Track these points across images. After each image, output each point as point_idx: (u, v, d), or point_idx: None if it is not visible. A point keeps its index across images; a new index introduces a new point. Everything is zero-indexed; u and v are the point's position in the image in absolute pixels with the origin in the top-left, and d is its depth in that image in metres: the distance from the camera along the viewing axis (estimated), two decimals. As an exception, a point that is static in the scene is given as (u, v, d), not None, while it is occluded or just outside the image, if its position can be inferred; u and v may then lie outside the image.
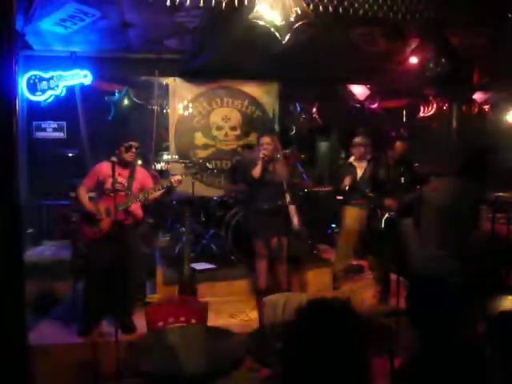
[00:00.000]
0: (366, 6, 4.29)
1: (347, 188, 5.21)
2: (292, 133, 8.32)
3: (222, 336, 2.95)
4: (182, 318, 3.33)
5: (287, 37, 4.05)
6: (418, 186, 5.05)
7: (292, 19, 3.99)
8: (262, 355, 2.85)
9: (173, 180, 4.36)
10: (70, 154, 7.09)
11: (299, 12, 4.02)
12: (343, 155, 10.58)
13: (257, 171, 4.73)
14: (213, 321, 3.76)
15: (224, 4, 3.96)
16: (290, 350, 1.64)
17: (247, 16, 4.04)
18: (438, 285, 2.13)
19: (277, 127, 7.09)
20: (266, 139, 4.83)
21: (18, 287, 2.16)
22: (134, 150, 4.36)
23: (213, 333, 3.05)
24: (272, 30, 3.99)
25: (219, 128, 7.05)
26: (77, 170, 6.43)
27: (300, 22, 4.04)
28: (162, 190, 4.40)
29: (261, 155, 4.73)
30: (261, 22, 3.96)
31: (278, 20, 3.97)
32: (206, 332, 3.08)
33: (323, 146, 10.64)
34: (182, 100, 6.86)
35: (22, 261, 2.22)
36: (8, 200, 2.04)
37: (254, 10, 3.93)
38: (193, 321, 3.33)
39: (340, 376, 1.53)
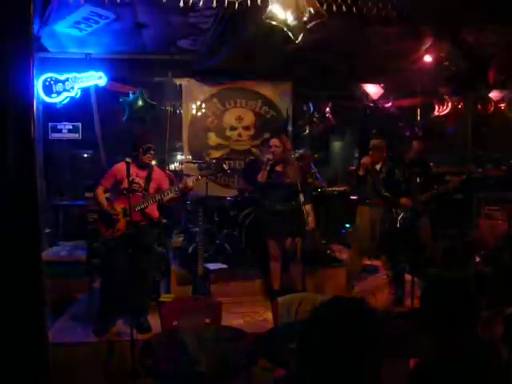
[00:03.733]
0: (380, 4, 4.28)
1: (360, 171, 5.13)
2: (305, 133, 8.29)
3: (236, 336, 2.95)
4: (196, 318, 3.34)
5: (300, 36, 4.04)
6: (436, 186, 5.03)
7: (305, 19, 3.99)
8: (276, 355, 2.86)
9: (182, 186, 4.37)
10: (85, 155, 7.15)
11: (312, 12, 4.02)
12: (357, 155, 10.56)
13: (262, 175, 4.75)
14: (226, 321, 3.76)
15: (237, 4, 3.97)
16: (305, 350, 1.64)
17: (260, 16, 4.05)
18: (453, 285, 2.11)
19: (290, 127, 7.08)
20: (274, 141, 4.83)
21: (38, 286, 2.19)
22: (151, 152, 4.40)
23: (226, 332, 3.05)
24: (285, 29, 4.00)
25: (233, 128, 7.06)
26: (92, 171, 6.50)
27: (313, 22, 4.04)
28: (176, 194, 4.43)
29: (265, 159, 4.75)
30: (274, 22, 3.96)
31: (291, 20, 3.97)
32: (220, 332, 3.08)
33: (336, 145, 10.60)
34: (195, 100, 6.90)
35: (41, 260, 2.25)
36: (27, 201, 2.07)
37: (267, 10, 3.93)
38: (206, 320, 3.33)
39: (354, 376, 1.53)
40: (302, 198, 4.50)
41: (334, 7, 4.17)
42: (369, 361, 1.56)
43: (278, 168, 4.78)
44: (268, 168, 4.70)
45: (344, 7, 4.19)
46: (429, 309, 2.13)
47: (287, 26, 3.98)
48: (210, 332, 3.06)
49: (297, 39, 4.03)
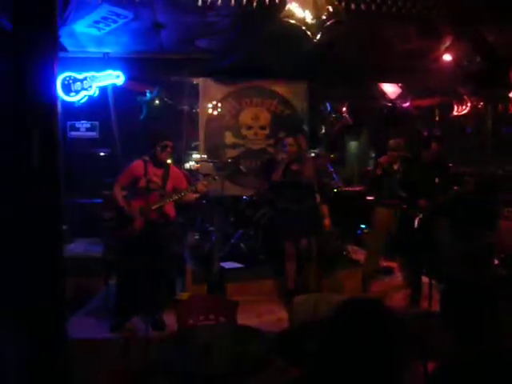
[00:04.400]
0: (399, 3, 4.24)
1: (378, 172, 5.11)
2: (321, 132, 8.26)
3: (252, 335, 2.94)
4: (212, 316, 3.34)
5: (318, 35, 4.03)
6: (454, 187, 4.96)
7: (324, 17, 3.98)
8: (293, 355, 2.84)
9: (198, 188, 4.37)
10: (102, 154, 7.21)
11: (331, 10, 4.00)
12: (373, 155, 10.48)
13: (277, 175, 4.73)
14: (241, 320, 3.75)
15: (255, 3, 3.97)
16: (325, 350, 1.62)
17: (278, 15, 4.04)
18: (476, 287, 2.08)
19: (306, 127, 7.05)
20: (289, 140, 4.82)
21: (60, 283, 2.21)
22: (169, 149, 4.40)
23: (242, 332, 3.04)
24: (303, 28, 3.99)
25: (249, 127, 7.05)
26: (109, 169, 6.54)
27: (331, 20, 4.03)
28: (195, 195, 4.44)
29: (279, 158, 4.73)
30: (292, 21, 3.96)
31: (310, 18, 3.96)
32: (236, 331, 3.08)
33: (352, 145, 10.54)
34: (211, 100, 6.90)
35: (63, 257, 2.27)
36: (52, 200, 2.09)
37: (286, 9, 3.93)
38: (222, 319, 3.33)
39: (375, 378, 1.52)
40: (318, 197, 4.47)
41: (353, 5, 4.16)
42: (389, 362, 1.55)
43: (294, 167, 4.76)
44: (283, 167, 4.69)
45: (362, 5, 4.17)
46: (450, 311, 2.09)
47: (305, 24, 3.98)
48: (226, 331, 3.05)
49: (315, 38, 4.02)
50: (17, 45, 2.05)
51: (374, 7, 4.22)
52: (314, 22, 3.98)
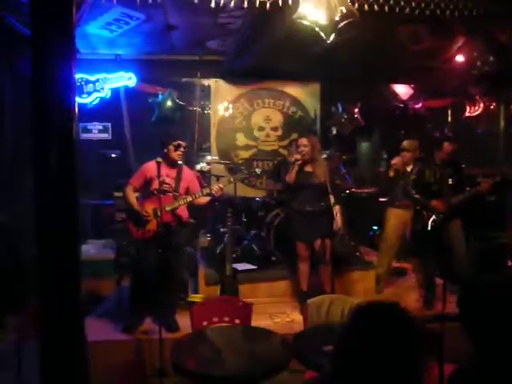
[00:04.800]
0: (413, 3, 4.20)
1: (391, 173, 5.12)
2: (332, 133, 8.22)
3: (267, 337, 2.93)
4: (226, 318, 3.35)
5: (332, 36, 4.01)
6: (468, 188, 4.92)
7: (337, 18, 3.95)
8: (308, 357, 2.83)
9: (213, 191, 4.37)
10: (114, 155, 7.24)
11: (344, 11, 3.97)
12: (385, 156, 10.42)
13: (290, 176, 4.73)
14: (254, 321, 3.74)
15: (268, 4, 3.96)
16: (343, 353, 1.62)
17: (291, 16, 4.02)
18: (496, 288, 2.06)
19: (318, 128, 7.04)
20: (302, 141, 4.81)
21: (76, 284, 2.22)
22: (182, 149, 4.41)
23: (258, 334, 3.04)
24: (317, 29, 3.96)
25: (261, 129, 7.06)
26: (121, 171, 6.57)
27: (345, 22, 4.00)
28: (208, 198, 4.44)
29: (293, 159, 4.73)
30: (305, 22, 3.93)
31: (323, 19, 3.93)
32: (252, 333, 3.07)
33: (364, 146, 10.49)
34: (223, 101, 6.91)
35: (79, 258, 2.28)
36: (68, 200, 2.10)
37: (299, 10, 3.91)
38: (237, 321, 3.33)
39: (393, 380, 1.51)
40: (332, 198, 4.45)
41: (366, 6, 4.13)
42: (408, 365, 1.54)
43: (307, 168, 4.75)
44: (297, 168, 4.68)
45: (376, 6, 4.14)
46: (469, 314, 2.07)
47: (319, 25, 3.95)
48: (241, 333, 3.05)
49: (328, 39, 3.99)
50: (35, 47, 2.06)
51: (387, 8, 4.18)
52: (327, 23, 3.94)
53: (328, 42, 4.00)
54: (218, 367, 2.60)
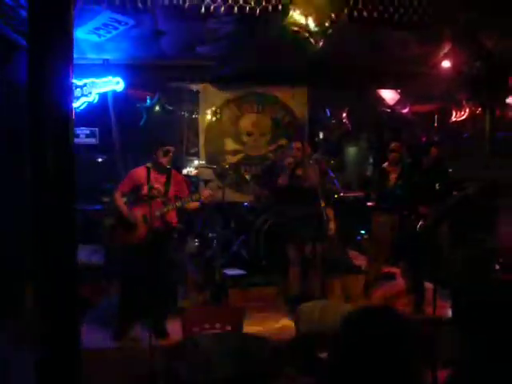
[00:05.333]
0: (401, 10, 4.25)
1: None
2: (320, 138, 8.26)
3: (260, 344, 2.92)
4: (218, 325, 3.32)
5: (321, 42, 4.04)
6: (456, 192, 4.97)
7: (327, 24, 3.99)
8: (301, 363, 2.82)
9: (202, 197, 4.38)
10: (102, 160, 7.18)
11: (333, 17, 4.02)
12: (371, 160, 10.50)
13: (281, 180, 4.73)
14: (243, 327, 3.74)
15: (258, 10, 3.98)
16: (340, 359, 1.62)
17: (281, 22, 4.05)
18: (490, 291, 2.08)
19: (306, 133, 7.06)
20: (296, 144, 4.83)
21: (73, 287, 2.19)
22: (170, 154, 4.39)
23: (250, 340, 3.02)
24: (306, 35, 4.00)
25: (249, 134, 7.06)
26: (108, 176, 6.51)
27: (334, 27, 4.04)
28: (197, 202, 4.43)
29: (285, 163, 4.73)
30: (295, 28, 3.97)
31: (313, 25, 3.97)
32: (244, 339, 3.06)
33: (351, 151, 10.56)
34: (212, 106, 6.90)
35: (77, 262, 2.26)
36: (66, 206, 2.08)
37: (289, 16, 3.94)
38: (228, 327, 3.31)
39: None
40: (322, 202, 4.46)
41: (355, 12, 4.17)
42: (404, 370, 1.55)
43: (299, 172, 4.76)
44: (289, 172, 4.69)
45: (365, 12, 4.18)
46: (464, 317, 2.08)
47: (309, 31, 3.99)
48: (233, 340, 3.03)
49: (318, 45, 4.03)
50: (32, 52, 2.04)
51: (375, 14, 4.23)
52: (316, 29, 3.98)
53: (318, 47, 4.04)
54: (210, 375, 2.57)
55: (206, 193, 4.42)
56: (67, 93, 2.08)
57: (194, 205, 4.49)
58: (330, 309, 3.38)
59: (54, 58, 2.04)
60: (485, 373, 1.89)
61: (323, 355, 2.65)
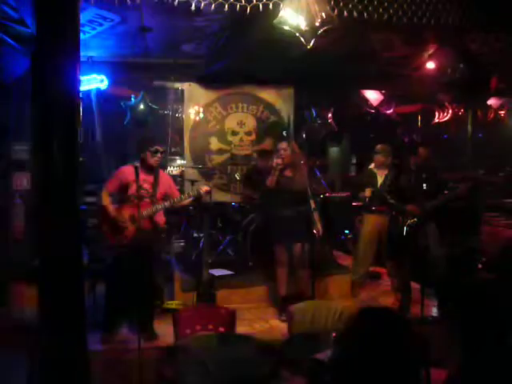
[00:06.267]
0: (391, 11, 4.27)
1: (366, 199, 5.20)
2: (304, 138, 8.26)
3: (255, 345, 2.89)
4: (210, 326, 3.29)
5: (312, 42, 4.02)
6: (446, 192, 5.02)
7: (317, 24, 3.97)
8: (295, 364, 2.81)
9: (202, 191, 4.34)
10: (86, 159, 7.05)
11: (324, 17, 4.00)
12: (354, 161, 10.57)
13: (270, 181, 4.70)
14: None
15: (249, 9, 3.94)
16: (344, 361, 1.61)
17: (269, 21, 4.02)
18: (488, 289, 2.09)
19: (292, 133, 7.06)
20: (282, 145, 4.81)
21: (81, 288, 2.14)
22: (159, 154, 4.32)
23: (244, 342, 2.99)
24: (297, 35, 3.97)
25: (234, 133, 7.02)
26: (92, 175, 6.39)
27: (325, 27, 4.03)
28: (190, 199, 4.38)
29: (273, 164, 4.71)
30: (286, 27, 3.94)
31: (303, 25, 3.95)
32: (238, 341, 3.02)
33: (334, 151, 10.60)
34: (197, 105, 6.84)
35: (82, 260, 2.21)
36: (72, 203, 2.02)
37: (279, 15, 3.91)
38: (221, 329, 3.28)
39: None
40: (312, 203, 4.45)
41: (345, 13, 4.16)
42: (409, 370, 1.55)
43: (287, 173, 4.74)
44: (277, 173, 4.66)
45: (355, 13, 4.18)
46: (460, 316, 2.09)
47: (299, 31, 3.96)
48: (227, 342, 2.99)
49: (308, 45, 4.01)
50: (39, 44, 1.99)
51: (366, 15, 4.23)
52: (307, 28, 3.96)
53: (308, 47, 4.02)
54: (207, 379, 2.53)
55: (205, 188, 4.38)
56: (74, 86, 2.03)
57: (188, 201, 4.44)
58: (323, 309, 3.38)
59: (61, 49, 1.98)
60: (481, 373, 1.91)
61: (318, 355, 2.65)
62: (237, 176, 4.91)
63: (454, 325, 2.09)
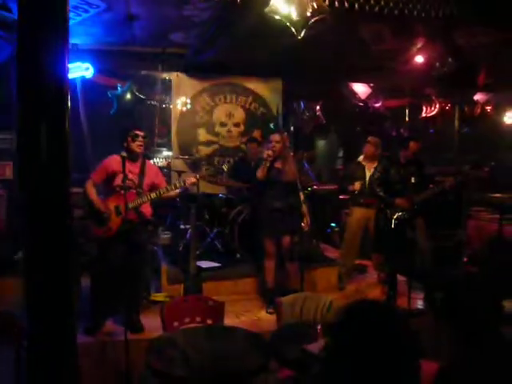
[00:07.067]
0: (382, 2, 4.24)
1: (355, 192, 5.20)
2: (291, 130, 8.24)
3: (244, 337, 2.86)
4: (198, 318, 3.25)
5: (303, 32, 3.98)
6: (431, 185, 5.04)
7: (308, 14, 3.93)
8: (284, 356, 2.79)
9: (188, 182, 4.27)
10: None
11: (315, 7, 3.96)
12: (341, 154, 10.58)
13: (260, 172, 4.66)
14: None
15: (240, -2, 3.89)
16: (336, 353, 1.59)
17: (263, 10, 3.96)
18: (476, 283, 2.09)
19: (280, 125, 7.02)
20: (275, 137, 4.76)
21: (70, 279, 2.09)
22: (140, 139, 4.22)
23: (233, 333, 2.96)
24: (288, 24, 3.92)
25: (223, 124, 6.97)
26: (77, 165, 6.28)
27: (316, 18, 3.98)
28: (178, 190, 4.31)
29: (264, 156, 4.66)
30: (277, 17, 3.89)
31: (295, 15, 3.90)
32: (227, 333, 2.99)
33: (320, 144, 10.60)
34: (185, 95, 6.77)
35: (72, 253, 2.15)
36: (61, 193, 1.96)
37: (270, 4, 3.85)
38: (209, 321, 3.24)
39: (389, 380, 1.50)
40: (302, 195, 4.43)
41: (336, 3, 4.13)
42: (403, 363, 1.53)
43: (277, 165, 4.70)
44: (268, 165, 4.62)
45: (346, 3, 4.15)
46: (450, 309, 2.09)
47: (290, 20, 3.91)
48: (216, 334, 2.96)
49: (299, 35, 3.97)
50: (23, 26, 1.92)
51: (357, 6, 4.20)
52: (298, 18, 3.91)
53: (299, 37, 3.98)
54: (188, 370, 2.49)
55: (191, 179, 4.31)
56: (62, 70, 1.97)
57: (175, 192, 4.37)
58: (312, 301, 3.37)
59: (47, 30, 1.92)
60: (475, 366, 1.90)
61: (307, 346, 2.63)
62: (224, 167, 4.86)
63: (443, 317, 2.09)
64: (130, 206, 4.09)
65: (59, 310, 2.03)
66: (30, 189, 1.94)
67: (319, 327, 2.94)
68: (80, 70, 6.21)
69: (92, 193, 4.23)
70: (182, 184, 4.28)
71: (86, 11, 5.36)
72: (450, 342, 2.07)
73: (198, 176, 4.43)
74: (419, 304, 4.90)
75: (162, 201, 4.71)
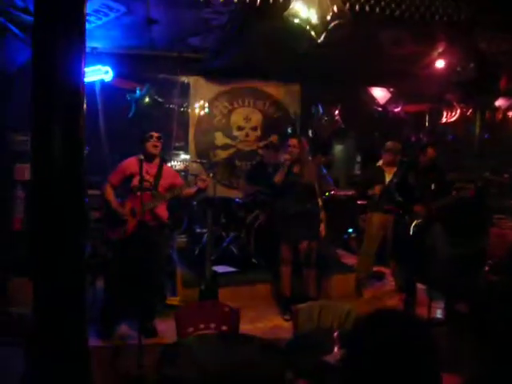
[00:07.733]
0: (403, 6, 4.18)
1: (375, 197, 5.12)
2: (310, 135, 8.18)
3: (261, 347, 2.81)
4: (213, 325, 3.20)
5: (322, 36, 3.93)
6: (454, 192, 4.94)
7: (328, 18, 3.88)
8: (300, 366, 2.73)
9: (199, 182, 4.24)
10: (89, 152, 6.97)
11: (336, 11, 3.90)
12: (359, 159, 10.47)
13: (278, 177, 4.61)
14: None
15: (259, 0, 3.86)
16: (355, 363, 1.53)
17: (278, 14, 3.93)
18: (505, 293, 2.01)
19: (298, 129, 6.98)
20: (292, 141, 4.71)
21: (82, 282, 2.07)
22: (155, 139, 4.23)
23: (249, 342, 2.90)
24: (307, 28, 3.88)
25: (240, 128, 6.94)
26: (95, 168, 6.32)
27: (336, 22, 3.93)
28: (192, 190, 4.29)
29: (282, 160, 4.61)
30: (297, 20, 3.85)
31: (315, 18, 3.85)
32: (244, 341, 2.94)
33: (338, 149, 10.51)
34: (202, 99, 6.77)
35: (85, 257, 2.14)
36: (76, 197, 1.95)
37: (290, 7, 3.81)
38: (224, 328, 3.20)
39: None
40: (320, 201, 4.37)
41: (357, 7, 4.08)
42: (426, 378, 1.48)
43: (295, 169, 4.65)
44: (285, 169, 4.57)
45: (367, 7, 4.10)
46: (477, 322, 2.01)
47: (310, 24, 3.87)
48: (231, 342, 2.91)
49: (319, 38, 3.92)
50: (38, 29, 1.91)
51: (377, 9, 4.14)
52: (318, 22, 3.86)
53: (319, 41, 3.93)
54: (209, 380, 2.46)
55: (200, 181, 4.28)
56: (79, 74, 1.96)
57: (191, 191, 4.34)
58: (329, 310, 3.30)
59: (65, 36, 1.91)
60: (500, 379, 1.83)
61: (325, 357, 2.57)
62: (237, 162, 4.84)
63: (469, 331, 2.01)
64: (147, 207, 4.08)
65: (69, 314, 2.01)
66: (44, 191, 1.93)
67: (336, 334, 2.87)
68: (99, 74, 6.24)
69: (110, 195, 4.24)
70: (195, 180, 4.27)
71: (106, 15, 5.38)
72: (473, 356, 2.00)
73: (210, 175, 4.40)
74: (438, 313, 4.80)
75: (180, 204, 4.69)
